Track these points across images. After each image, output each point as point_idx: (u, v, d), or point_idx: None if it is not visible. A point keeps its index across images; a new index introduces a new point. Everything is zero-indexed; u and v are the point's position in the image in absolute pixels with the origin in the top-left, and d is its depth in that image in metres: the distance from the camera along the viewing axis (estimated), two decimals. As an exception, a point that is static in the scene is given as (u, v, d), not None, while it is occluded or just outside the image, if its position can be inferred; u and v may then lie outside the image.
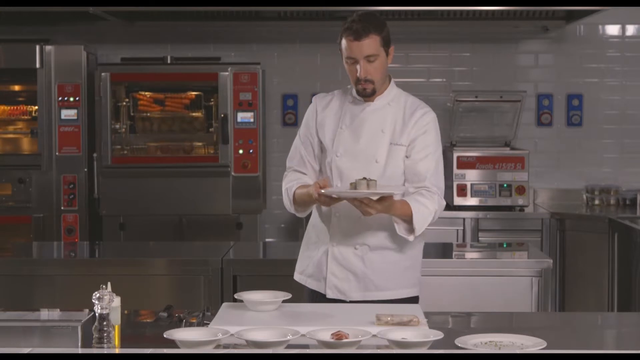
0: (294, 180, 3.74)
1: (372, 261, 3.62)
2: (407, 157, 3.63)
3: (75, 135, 6.41)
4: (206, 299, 4.45)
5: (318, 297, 3.66)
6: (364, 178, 3.43)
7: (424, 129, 3.65)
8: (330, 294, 3.65)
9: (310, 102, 3.86)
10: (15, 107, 6.64)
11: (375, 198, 3.42)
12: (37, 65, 6.37)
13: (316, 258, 3.70)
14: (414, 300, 3.66)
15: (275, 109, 7.04)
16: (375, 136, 3.65)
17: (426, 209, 3.56)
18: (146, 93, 6.62)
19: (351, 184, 3.45)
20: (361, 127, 3.67)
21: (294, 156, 3.80)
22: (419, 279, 3.74)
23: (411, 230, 3.55)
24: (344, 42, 3.62)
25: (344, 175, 3.60)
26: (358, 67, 3.60)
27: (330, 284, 3.65)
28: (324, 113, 3.76)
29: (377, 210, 3.42)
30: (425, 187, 3.59)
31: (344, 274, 3.64)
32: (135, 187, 6.44)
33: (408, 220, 3.54)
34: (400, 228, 3.55)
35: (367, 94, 3.65)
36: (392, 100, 3.72)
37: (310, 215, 3.80)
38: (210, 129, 6.56)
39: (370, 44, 3.57)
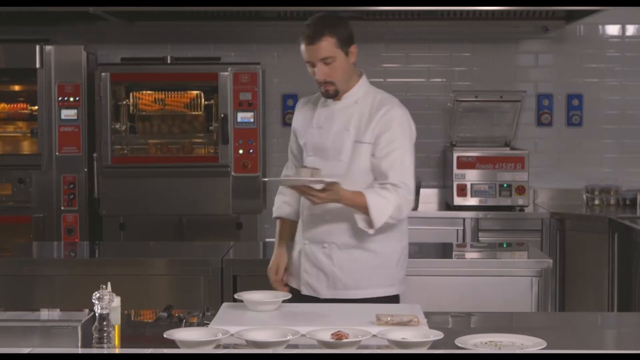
0: (280, 196, 3.97)
1: (340, 260, 3.66)
2: (373, 155, 3.63)
3: (75, 135, 6.41)
4: (206, 299, 4.45)
5: (295, 295, 3.69)
6: (304, 166, 3.52)
7: (388, 125, 3.64)
8: (304, 291, 3.72)
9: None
10: (15, 105, 6.63)
11: (318, 187, 3.44)
12: (37, 65, 6.37)
13: (295, 256, 3.80)
14: (392, 299, 3.65)
15: (275, 109, 7.04)
16: (340, 134, 3.68)
17: (385, 200, 3.55)
18: (146, 93, 6.62)
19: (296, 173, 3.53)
20: (329, 126, 3.72)
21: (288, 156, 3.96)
22: (397, 278, 3.72)
23: (371, 222, 3.55)
24: (301, 46, 3.65)
25: None
26: (316, 70, 3.63)
27: (303, 281, 3.73)
28: (301, 114, 3.85)
29: (321, 199, 3.47)
30: (390, 182, 3.59)
31: (315, 272, 3.71)
32: (135, 187, 6.44)
33: (367, 212, 3.54)
34: (360, 221, 3.56)
35: (329, 95, 3.69)
36: (361, 98, 3.73)
37: None
38: (210, 129, 6.56)
39: (325, 46, 3.60)
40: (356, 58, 3.75)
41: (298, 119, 3.87)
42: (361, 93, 3.74)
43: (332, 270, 3.67)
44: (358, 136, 3.66)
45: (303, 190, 3.49)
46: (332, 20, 3.66)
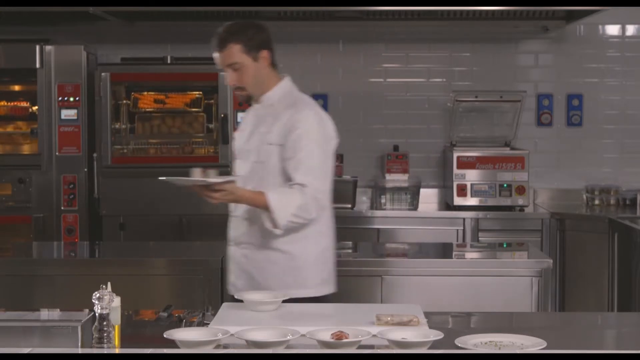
0: None
1: (256, 260, 3.73)
2: (282, 157, 3.69)
3: (75, 135, 6.41)
4: (206, 299, 4.45)
5: (231, 296, 3.80)
6: (202, 167, 3.61)
7: (294, 127, 3.69)
8: (230, 291, 3.82)
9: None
10: (15, 105, 6.63)
11: (216, 186, 3.53)
12: (37, 65, 6.37)
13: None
14: (312, 301, 3.63)
15: (275, 109, 7.03)
16: (255, 137, 3.78)
17: (288, 199, 3.60)
18: (146, 93, 6.62)
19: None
20: (248, 129, 3.84)
21: None
22: (313, 280, 3.73)
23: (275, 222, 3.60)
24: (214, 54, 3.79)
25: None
26: (226, 75, 3.77)
27: (231, 282, 3.83)
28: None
29: (216, 199, 3.54)
30: (297, 183, 3.63)
31: (237, 273, 3.80)
32: (135, 187, 6.43)
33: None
34: (266, 220, 3.61)
35: (244, 100, 3.84)
36: (277, 101, 3.79)
37: None
38: (210, 129, 6.56)
39: (231, 53, 3.73)
40: (271, 60, 3.80)
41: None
42: (277, 96, 3.80)
43: (250, 271, 3.74)
44: (269, 138, 3.73)
45: (197, 190, 3.56)
46: (239, 27, 3.78)
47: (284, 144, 3.67)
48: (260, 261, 3.72)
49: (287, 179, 3.66)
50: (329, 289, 3.76)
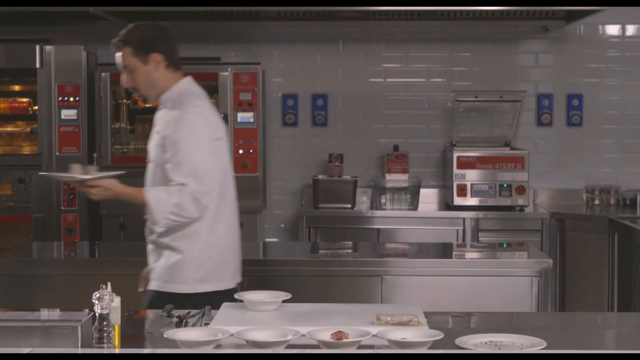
0: None
1: (154, 254, 3.89)
2: (164, 158, 3.78)
3: (75, 135, 6.41)
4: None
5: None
6: (81, 164, 3.77)
7: (172, 128, 3.77)
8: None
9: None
10: (14, 100, 6.62)
11: (90, 182, 3.68)
12: (37, 65, 6.37)
13: None
14: (194, 297, 3.69)
15: (275, 109, 7.04)
16: (152, 137, 3.92)
17: (166, 198, 3.72)
18: (146, 93, 6.61)
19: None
20: (154, 129, 3.95)
21: None
22: (191, 278, 3.79)
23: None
24: None
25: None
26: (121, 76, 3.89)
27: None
28: None
29: (94, 194, 3.72)
30: (177, 182, 3.73)
31: (150, 268, 3.93)
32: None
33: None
34: (149, 217, 3.78)
35: (143, 100, 3.89)
36: (170, 102, 3.87)
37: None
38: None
39: (122, 56, 3.84)
40: (168, 62, 3.85)
41: None
42: (171, 98, 3.88)
43: (152, 265, 3.89)
44: (157, 139, 3.84)
45: (76, 186, 3.73)
46: (132, 30, 3.86)
47: (164, 146, 3.76)
48: (156, 256, 3.87)
49: (169, 179, 3.75)
50: (206, 287, 3.79)
